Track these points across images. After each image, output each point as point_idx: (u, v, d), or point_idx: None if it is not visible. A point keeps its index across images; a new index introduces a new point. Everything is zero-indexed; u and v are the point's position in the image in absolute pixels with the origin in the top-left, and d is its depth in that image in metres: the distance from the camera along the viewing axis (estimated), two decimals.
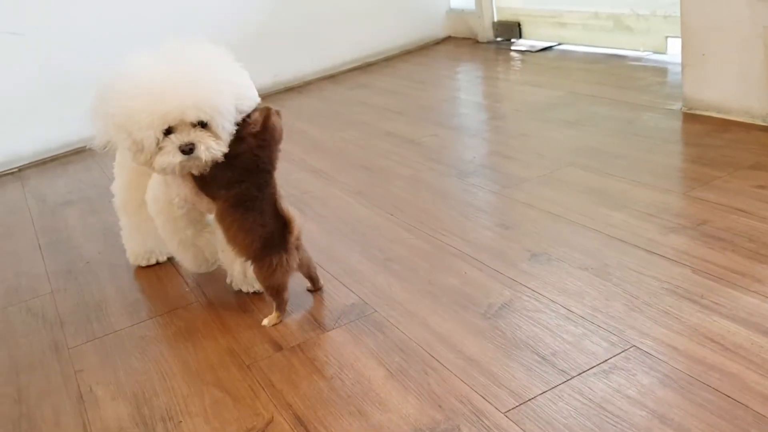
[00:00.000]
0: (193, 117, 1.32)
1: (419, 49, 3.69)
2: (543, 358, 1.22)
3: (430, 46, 3.71)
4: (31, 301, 1.74)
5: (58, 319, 1.64)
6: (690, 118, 2.14)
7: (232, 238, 1.43)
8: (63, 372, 1.43)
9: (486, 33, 3.57)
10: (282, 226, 1.42)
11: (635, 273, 1.41)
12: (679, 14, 2.14)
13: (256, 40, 3.23)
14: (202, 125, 1.34)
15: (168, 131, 1.34)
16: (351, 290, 1.53)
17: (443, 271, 1.55)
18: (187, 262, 1.62)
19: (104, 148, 1.51)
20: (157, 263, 1.80)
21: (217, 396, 1.28)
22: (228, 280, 1.62)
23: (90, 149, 1.57)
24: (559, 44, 3.25)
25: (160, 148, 1.34)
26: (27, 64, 2.81)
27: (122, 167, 1.70)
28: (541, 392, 1.14)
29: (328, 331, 1.41)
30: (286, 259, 1.42)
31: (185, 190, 1.47)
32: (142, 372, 1.39)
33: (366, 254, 1.68)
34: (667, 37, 2.77)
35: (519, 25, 3.45)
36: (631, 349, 1.20)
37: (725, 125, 2.03)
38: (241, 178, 1.39)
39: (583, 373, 1.17)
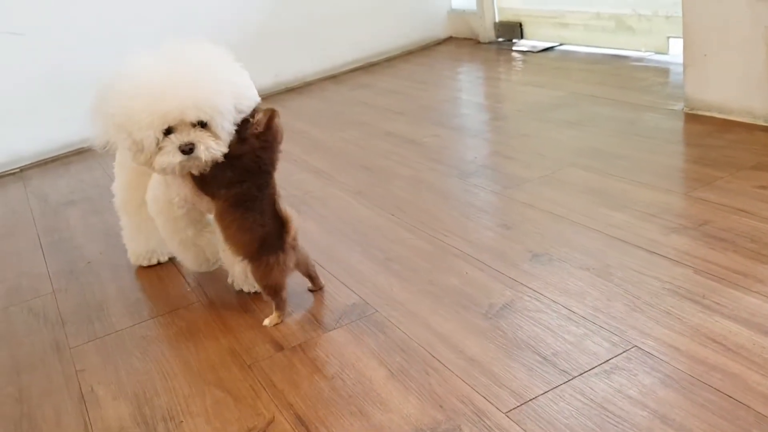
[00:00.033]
0: (193, 117, 1.32)
1: (420, 50, 3.68)
2: (544, 358, 1.22)
3: (431, 47, 3.71)
4: (33, 300, 1.74)
5: (60, 318, 1.64)
6: (691, 118, 2.14)
7: (230, 237, 1.43)
8: (64, 372, 1.43)
9: (487, 33, 3.57)
10: (279, 226, 1.43)
11: (637, 273, 1.41)
12: (680, 15, 2.13)
13: (256, 41, 3.23)
14: (202, 125, 1.34)
15: (168, 131, 1.34)
16: (352, 290, 1.53)
17: (444, 271, 1.55)
18: (188, 261, 1.62)
19: (104, 148, 1.51)
20: (159, 263, 1.80)
21: (218, 396, 1.28)
22: (229, 280, 1.62)
23: (91, 149, 1.57)
24: (561, 45, 3.25)
25: (160, 148, 1.34)
26: (27, 64, 2.81)
27: (122, 167, 1.70)
28: (542, 392, 1.14)
29: (329, 331, 1.41)
30: (283, 259, 1.43)
31: (185, 189, 1.47)
32: (144, 372, 1.39)
33: (367, 254, 1.67)
34: (668, 37, 2.77)
35: (520, 25, 3.45)
36: (632, 350, 1.20)
37: (727, 125, 2.03)
38: (242, 178, 1.40)
39: (585, 374, 1.17)
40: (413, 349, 1.31)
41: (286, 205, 1.45)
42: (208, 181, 1.41)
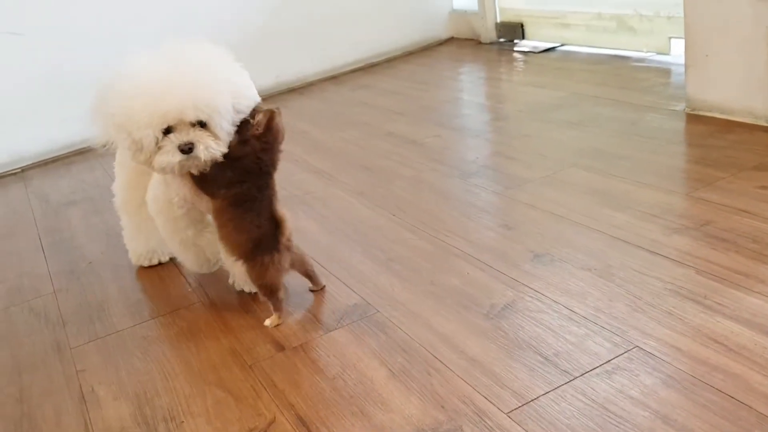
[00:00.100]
0: (192, 117, 1.32)
1: (422, 50, 3.68)
2: (546, 358, 1.22)
3: (432, 47, 3.71)
4: (34, 301, 1.74)
5: (61, 319, 1.64)
6: (693, 118, 2.14)
7: (225, 237, 1.44)
8: (65, 372, 1.43)
9: (489, 34, 3.57)
10: (274, 226, 1.43)
11: (638, 274, 1.41)
12: (682, 15, 2.13)
13: (257, 41, 3.23)
14: (202, 125, 1.34)
15: (167, 131, 1.34)
16: (353, 291, 1.53)
17: (446, 271, 1.55)
18: (189, 262, 1.62)
19: (104, 148, 1.51)
20: (159, 263, 1.80)
21: (219, 396, 1.27)
22: (230, 281, 1.62)
23: (92, 149, 1.57)
24: (562, 45, 3.25)
25: (160, 148, 1.34)
26: (28, 64, 2.81)
27: (122, 166, 1.70)
28: (543, 393, 1.14)
29: (330, 331, 1.41)
30: (278, 259, 1.43)
31: (185, 189, 1.47)
32: (144, 372, 1.39)
33: (368, 255, 1.67)
34: (670, 37, 2.77)
35: (522, 26, 3.45)
36: (634, 350, 1.20)
37: (728, 126, 2.03)
38: (242, 178, 1.40)
39: (586, 374, 1.16)
40: (414, 349, 1.30)
41: (282, 206, 1.46)
42: (208, 180, 1.41)
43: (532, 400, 1.13)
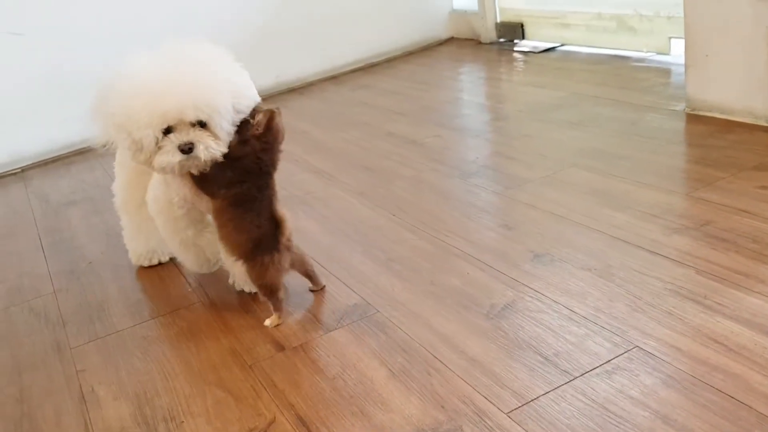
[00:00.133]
0: (192, 116, 1.32)
1: (422, 50, 3.68)
2: (546, 358, 1.22)
3: (432, 47, 3.71)
4: (34, 301, 1.74)
5: (61, 319, 1.64)
6: (693, 119, 2.14)
7: (225, 237, 1.44)
8: (65, 372, 1.43)
9: (489, 34, 3.57)
10: (274, 227, 1.43)
11: (638, 274, 1.41)
12: (682, 15, 2.13)
13: (258, 41, 3.23)
14: (201, 125, 1.34)
15: (167, 131, 1.34)
16: (353, 291, 1.53)
17: (446, 271, 1.55)
18: (189, 262, 1.62)
19: (104, 148, 1.51)
20: (160, 263, 1.80)
21: (219, 396, 1.27)
22: (230, 281, 1.62)
23: (93, 149, 1.57)
24: (562, 45, 3.25)
25: (160, 148, 1.34)
26: (28, 64, 2.81)
27: (122, 166, 1.70)
28: (543, 393, 1.14)
29: (330, 331, 1.41)
30: (278, 259, 1.43)
31: (185, 189, 1.47)
32: (144, 372, 1.39)
33: (368, 255, 1.67)
34: (670, 37, 2.77)
35: (522, 26, 3.45)
36: (634, 350, 1.20)
37: (728, 126, 2.03)
38: (242, 178, 1.40)
39: (586, 374, 1.16)
40: (415, 349, 1.30)
41: (282, 206, 1.46)
42: (208, 180, 1.41)
43: (532, 400, 1.13)
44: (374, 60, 3.59)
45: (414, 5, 3.67)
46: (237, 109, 1.38)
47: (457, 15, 3.74)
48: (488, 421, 1.10)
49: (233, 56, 1.44)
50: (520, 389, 1.16)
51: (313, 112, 2.97)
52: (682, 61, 2.21)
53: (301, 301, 1.53)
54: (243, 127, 1.39)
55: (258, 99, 1.43)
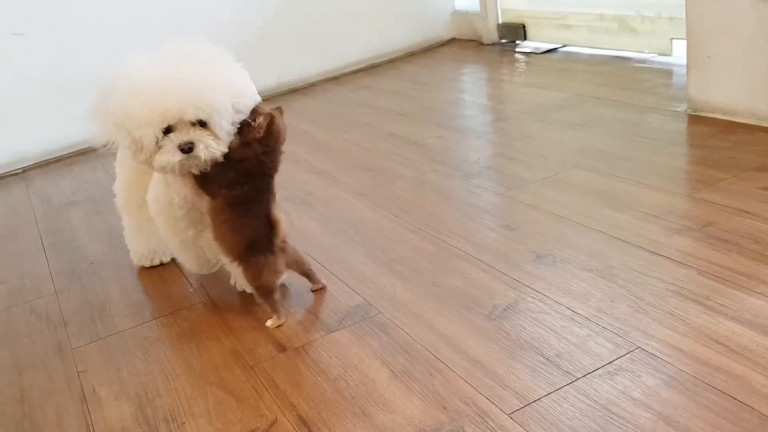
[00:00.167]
0: (192, 116, 1.32)
1: (423, 51, 3.68)
2: (548, 359, 1.22)
3: (434, 48, 3.71)
4: (35, 301, 1.74)
5: (62, 319, 1.63)
6: (695, 119, 2.14)
7: (220, 237, 1.44)
8: (66, 372, 1.43)
9: (490, 35, 3.57)
10: (269, 228, 1.43)
11: (640, 274, 1.41)
12: (684, 16, 2.13)
13: (259, 42, 3.23)
14: (202, 124, 1.34)
15: (167, 130, 1.34)
16: (355, 291, 1.53)
17: (447, 272, 1.54)
18: (189, 262, 1.62)
19: (105, 147, 1.51)
20: (161, 264, 1.80)
21: (220, 397, 1.27)
22: (232, 281, 1.62)
23: (94, 149, 1.57)
24: (564, 46, 3.25)
25: (160, 147, 1.34)
26: (29, 64, 2.81)
27: (123, 166, 1.70)
28: (545, 393, 1.14)
29: (332, 332, 1.40)
30: (273, 260, 1.43)
31: (186, 189, 1.47)
32: (146, 373, 1.39)
33: (370, 255, 1.67)
34: (672, 38, 2.76)
35: (524, 26, 3.45)
36: (636, 351, 1.20)
37: (730, 127, 2.03)
38: (243, 180, 1.40)
39: (588, 375, 1.16)
40: (416, 350, 1.30)
41: (279, 207, 1.46)
42: (209, 180, 1.41)
43: (534, 401, 1.13)
44: (376, 60, 3.59)
45: (416, 6, 3.67)
46: (237, 109, 1.38)
47: (459, 16, 3.74)
48: (490, 422, 1.10)
49: (233, 56, 1.44)
50: (522, 390, 1.15)
51: (314, 112, 2.97)
52: (683, 62, 2.21)
53: (302, 301, 1.53)
54: (244, 129, 1.39)
55: (258, 99, 1.43)
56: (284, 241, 1.46)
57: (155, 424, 1.23)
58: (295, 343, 1.39)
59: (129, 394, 1.33)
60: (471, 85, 3.08)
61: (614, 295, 1.36)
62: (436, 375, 1.23)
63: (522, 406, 1.12)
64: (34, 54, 2.81)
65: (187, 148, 1.33)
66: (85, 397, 1.34)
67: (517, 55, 3.30)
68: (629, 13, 2.90)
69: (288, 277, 1.50)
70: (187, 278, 1.73)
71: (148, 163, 1.37)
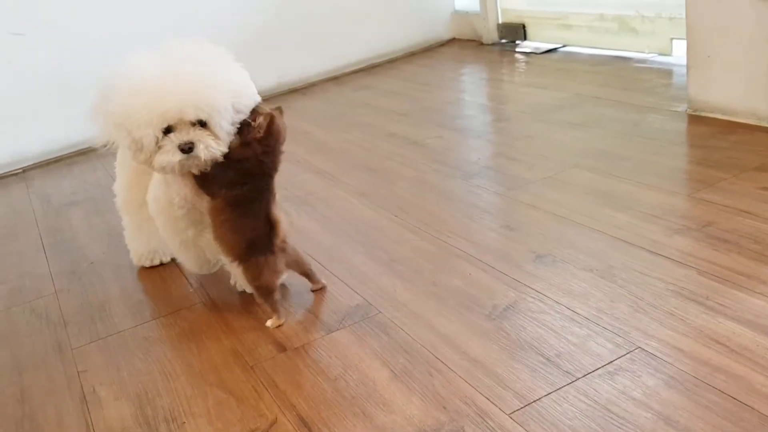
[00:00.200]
0: (192, 116, 1.32)
1: (424, 51, 3.68)
2: (548, 359, 1.22)
3: (434, 48, 3.71)
4: (35, 301, 1.74)
5: (62, 319, 1.63)
6: (695, 119, 2.14)
7: (219, 237, 1.44)
8: (66, 372, 1.43)
9: (491, 35, 3.57)
10: (269, 228, 1.43)
11: (640, 274, 1.41)
12: (684, 16, 2.13)
13: (259, 42, 3.23)
14: (202, 124, 1.34)
15: (167, 130, 1.34)
16: (355, 291, 1.53)
17: (448, 272, 1.54)
18: (189, 262, 1.62)
19: (105, 147, 1.51)
20: (161, 264, 1.80)
21: (220, 397, 1.27)
22: (232, 281, 1.62)
23: (94, 149, 1.57)
24: (564, 46, 3.25)
25: (160, 147, 1.34)
26: (29, 64, 2.81)
27: (123, 166, 1.70)
28: (545, 393, 1.14)
29: (332, 332, 1.40)
30: (272, 260, 1.43)
31: (186, 189, 1.47)
32: (146, 372, 1.39)
33: (370, 255, 1.67)
34: (672, 38, 2.76)
35: (524, 26, 3.44)
36: (636, 351, 1.20)
37: (731, 127, 2.03)
38: (243, 180, 1.40)
39: (588, 375, 1.16)
40: (416, 350, 1.30)
41: (279, 208, 1.46)
42: (209, 180, 1.41)
43: (534, 401, 1.13)
44: (376, 61, 3.59)
45: (416, 6, 3.67)
46: (237, 109, 1.38)
47: (459, 16, 3.74)
48: (490, 422, 1.10)
49: (233, 56, 1.44)
50: (522, 390, 1.15)
51: (315, 112, 2.97)
52: (683, 62, 2.21)
53: (302, 301, 1.53)
54: (244, 129, 1.39)
55: (258, 98, 1.43)
56: (284, 241, 1.46)
57: (155, 424, 1.23)
58: (295, 343, 1.39)
59: (129, 394, 1.33)
60: (471, 85, 3.08)
61: (614, 295, 1.36)
62: (436, 375, 1.23)
63: (522, 406, 1.12)
64: (35, 54, 2.81)
65: (187, 148, 1.33)
66: (85, 397, 1.34)
67: (517, 55, 3.30)
68: (629, 13, 2.90)
69: (288, 277, 1.50)
70: (187, 278, 1.73)
71: (148, 163, 1.37)
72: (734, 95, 2.05)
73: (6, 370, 1.48)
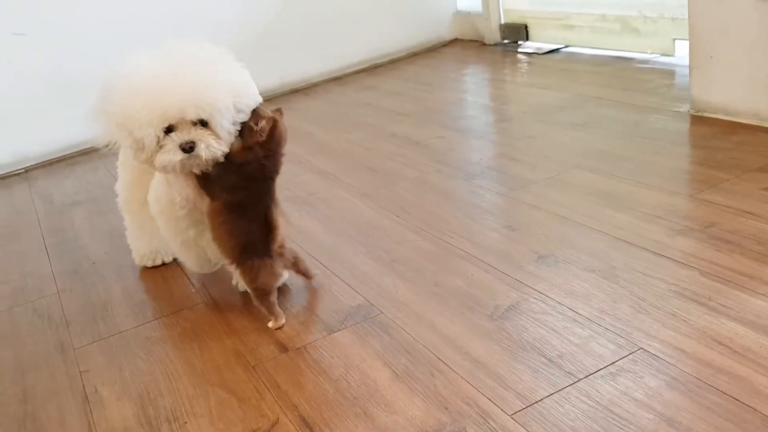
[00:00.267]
0: (193, 115, 1.32)
1: (426, 51, 3.68)
2: (550, 360, 1.21)
3: (436, 48, 3.71)
4: (37, 301, 1.74)
5: (64, 319, 1.64)
6: (697, 120, 2.14)
7: (217, 238, 1.44)
8: (68, 372, 1.43)
9: (493, 35, 3.56)
10: (267, 233, 1.43)
11: (642, 275, 1.41)
12: (686, 16, 2.13)
13: (261, 42, 3.23)
14: (203, 124, 1.34)
15: (169, 130, 1.34)
16: (357, 292, 1.53)
17: (449, 272, 1.54)
18: (190, 262, 1.62)
19: (107, 147, 1.51)
20: (163, 264, 1.80)
21: (222, 397, 1.27)
22: (234, 282, 1.62)
23: (96, 150, 1.57)
24: (566, 46, 3.25)
25: (161, 147, 1.34)
26: (31, 64, 2.81)
27: (125, 166, 1.70)
28: (547, 394, 1.14)
29: (333, 332, 1.40)
30: (270, 264, 1.43)
31: (188, 189, 1.47)
32: (148, 373, 1.39)
33: (372, 256, 1.67)
34: (674, 39, 2.76)
35: (526, 27, 3.44)
36: (638, 352, 1.19)
37: (733, 127, 2.02)
38: (245, 184, 1.40)
39: (590, 376, 1.16)
40: (418, 350, 1.30)
41: (279, 212, 1.46)
42: (211, 181, 1.41)
43: (536, 402, 1.13)
44: (378, 61, 3.59)
45: (418, 6, 3.67)
46: (238, 108, 1.38)
47: (461, 16, 3.74)
48: (492, 423, 1.10)
49: (234, 56, 1.44)
50: (524, 391, 1.15)
51: (316, 113, 2.97)
52: (686, 62, 2.21)
53: (304, 302, 1.53)
54: (246, 133, 1.39)
55: (259, 99, 1.43)
56: (282, 246, 1.46)
57: (157, 424, 1.23)
58: (296, 343, 1.39)
59: (131, 394, 1.33)
60: (473, 86, 3.08)
61: (616, 295, 1.36)
62: (437, 375, 1.23)
63: (524, 406, 1.12)
64: (35, 54, 2.81)
65: (189, 148, 1.33)
66: (87, 397, 1.34)
67: (520, 56, 3.29)
68: (631, 13, 2.90)
69: (288, 277, 1.50)
70: (189, 278, 1.73)
71: (150, 162, 1.37)
72: (737, 96, 2.04)
73: (8, 369, 1.48)
